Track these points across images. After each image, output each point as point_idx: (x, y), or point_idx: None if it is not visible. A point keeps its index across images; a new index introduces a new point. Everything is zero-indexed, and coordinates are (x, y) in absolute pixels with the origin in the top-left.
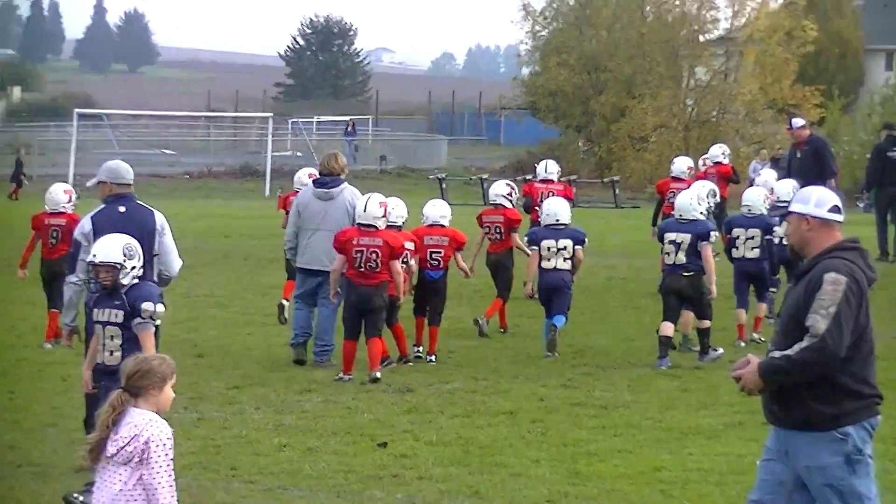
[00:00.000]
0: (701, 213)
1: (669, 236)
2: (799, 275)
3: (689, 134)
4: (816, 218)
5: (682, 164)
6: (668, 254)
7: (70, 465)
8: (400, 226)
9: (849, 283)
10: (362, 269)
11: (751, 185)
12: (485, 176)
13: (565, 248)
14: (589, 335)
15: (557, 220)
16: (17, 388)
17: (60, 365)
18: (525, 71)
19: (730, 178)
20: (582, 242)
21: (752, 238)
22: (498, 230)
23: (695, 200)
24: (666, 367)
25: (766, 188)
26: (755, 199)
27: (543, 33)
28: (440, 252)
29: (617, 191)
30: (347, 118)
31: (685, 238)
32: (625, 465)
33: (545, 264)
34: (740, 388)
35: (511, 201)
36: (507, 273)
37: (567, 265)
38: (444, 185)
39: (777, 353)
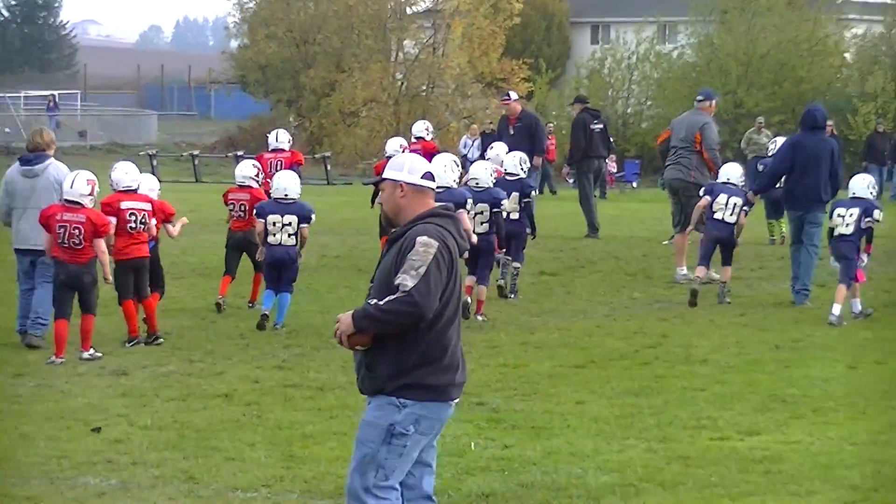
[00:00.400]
0: (454, 179)
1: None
2: (393, 239)
3: (400, 108)
4: (410, 184)
5: (394, 144)
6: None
7: None
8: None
9: (440, 247)
10: (66, 246)
11: (463, 159)
12: (196, 152)
13: (290, 223)
14: (301, 315)
15: (286, 195)
16: None
17: None
18: (234, 44)
19: (434, 155)
20: (308, 220)
21: (481, 213)
22: (242, 208)
23: (448, 167)
24: None
25: (496, 162)
26: (481, 173)
27: (251, 5)
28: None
29: (329, 167)
30: (54, 93)
31: (484, 207)
32: (340, 447)
33: (271, 239)
34: (336, 335)
35: (258, 181)
36: (256, 249)
37: (292, 241)
38: (154, 162)
39: (371, 301)
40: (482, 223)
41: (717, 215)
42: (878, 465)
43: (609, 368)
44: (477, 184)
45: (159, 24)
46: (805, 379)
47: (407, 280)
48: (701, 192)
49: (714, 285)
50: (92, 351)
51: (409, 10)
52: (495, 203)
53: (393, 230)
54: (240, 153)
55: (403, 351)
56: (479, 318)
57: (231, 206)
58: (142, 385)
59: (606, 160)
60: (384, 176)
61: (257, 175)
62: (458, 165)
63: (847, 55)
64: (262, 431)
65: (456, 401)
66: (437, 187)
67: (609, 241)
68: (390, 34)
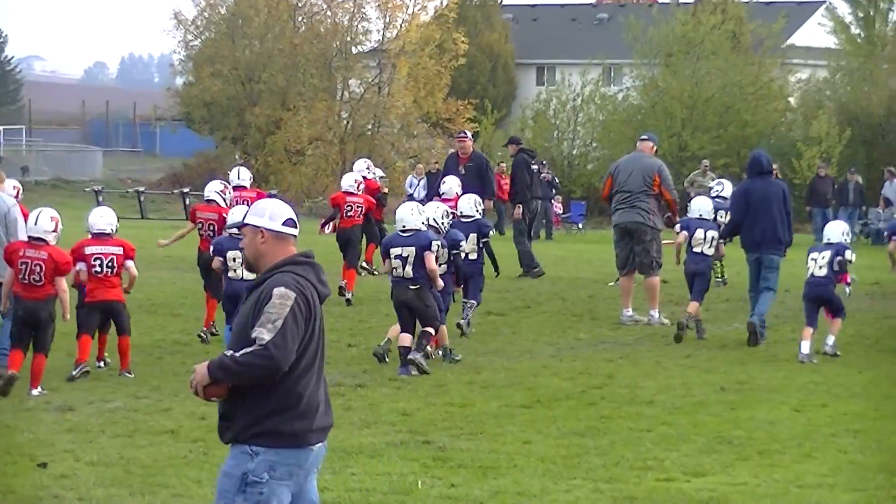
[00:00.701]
0: (423, 222)
1: (395, 251)
2: (251, 288)
3: (346, 147)
4: (270, 231)
5: (349, 179)
6: (395, 268)
7: None
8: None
9: (297, 298)
10: (26, 282)
11: (409, 198)
12: (141, 188)
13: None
14: None
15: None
16: None
17: None
18: (179, 81)
19: (377, 195)
20: None
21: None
22: (211, 227)
23: (415, 210)
24: (407, 376)
25: (450, 195)
26: (435, 213)
27: (196, 42)
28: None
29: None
30: (2, 127)
31: (410, 251)
32: None
33: (232, 274)
34: (191, 386)
35: (224, 199)
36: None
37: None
38: (100, 198)
39: (227, 353)
40: (440, 264)
41: (697, 249)
42: None
43: (555, 408)
44: (404, 227)
45: (104, 61)
46: (751, 421)
47: (263, 333)
48: (677, 229)
49: (650, 327)
50: (40, 389)
51: (354, 50)
52: (454, 245)
53: (253, 278)
54: (186, 190)
55: (259, 400)
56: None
57: (200, 225)
58: (88, 421)
59: (552, 201)
60: (245, 221)
61: (223, 191)
62: (448, 214)
63: (791, 99)
64: (208, 468)
65: (318, 445)
66: (404, 231)
67: (555, 282)
68: (336, 73)
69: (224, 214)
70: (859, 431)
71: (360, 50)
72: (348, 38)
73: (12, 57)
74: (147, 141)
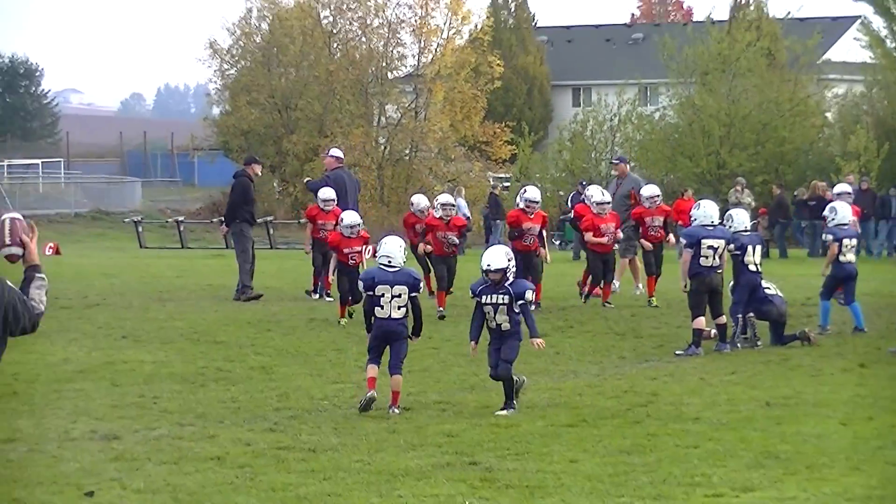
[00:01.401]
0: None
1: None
2: None
3: (383, 172)
4: None
5: (421, 202)
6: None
7: None
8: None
9: None
10: None
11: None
12: (181, 218)
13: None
14: (291, 378)
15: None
16: None
17: None
18: (216, 110)
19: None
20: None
21: (399, 296)
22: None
23: (403, 247)
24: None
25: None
26: (395, 251)
27: (232, 72)
28: None
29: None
30: (38, 161)
31: (402, 290)
32: None
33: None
34: None
35: None
36: None
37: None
38: (140, 229)
39: None
40: (399, 307)
41: (707, 262)
42: None
43: (601, 427)
44: (390, 262)
45: (140, 92)
46: (797, 435)
47: None
48: (684, 243)
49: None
50: None
51: (390, 76)
52: (414, 285)
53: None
54: (270, 219)
55: None
56: (394, 410)
57: None
58: (133, 449)
59: None
60: None
61: None
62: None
63: (828, 115)
64: (255, 493)
65: None
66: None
67: (597, 301)
68: (372, 99)
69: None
70: None
71: (396, 75)
72: (384, 64)
73: (49, 90)
74: (185, 171)
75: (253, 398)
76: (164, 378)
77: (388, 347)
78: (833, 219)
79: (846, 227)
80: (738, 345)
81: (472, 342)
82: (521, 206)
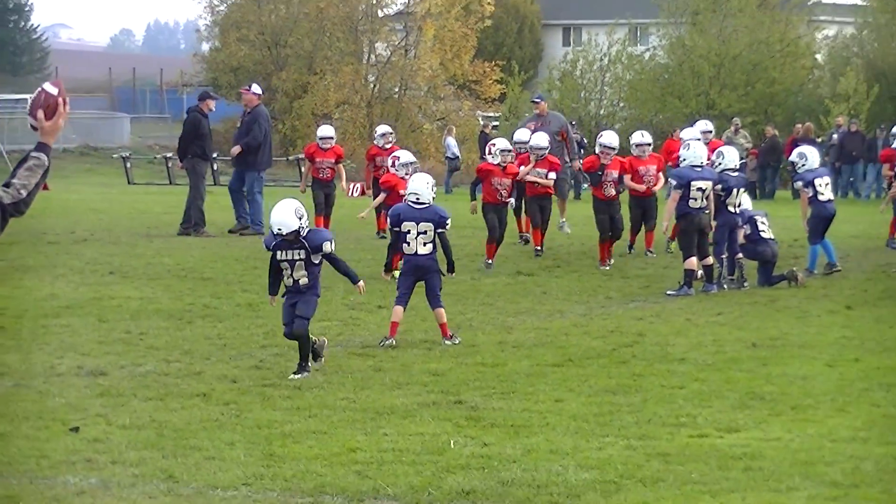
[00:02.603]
0: (430, 194)
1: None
2: None
3: (373, 110)
4: None
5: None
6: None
7: None
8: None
9: None
10: None
11: (449, 160)
12: (169, 154)
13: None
14: (279, 315)
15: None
16: None
17: None
18: (205, 47)
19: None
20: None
21: (424, 233)
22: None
23: (430, 183)
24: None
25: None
26: (422, 187)
27: (222, 8)
28: None
29: (303, 168)
30: (28, 96)
31: (428, 227)
32: (319, 446)
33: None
34: None
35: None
36: None
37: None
38: (128, 165)
39: None
40: (425, 243)
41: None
42: (858, 462)
43: (587, 367)
44: (418, 199)
45: (130, 28)
46: (783, 377)
47: None
48: (673, 183)
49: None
50: None
51: (380, 13)
52: (440, 222)
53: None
54: (214, 155)
55: None
56: (447, 342)
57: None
58: (120, 385)
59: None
60: None
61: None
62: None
63: (818, 56)
64: (240, 430)
65: None
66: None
67: (584, 241)
68: (362, 37)
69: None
70: (892, 385)
71: (387, 13)
72: (374, 1)
73: (38, 25)
74: (174, 107)
75: (239, 335)
76: (150, 314)
77: (419, 285)
78: (802, 165)
79: (815, 169)
80: (725, 286)
81: (270, 297)
82: (597, 151)
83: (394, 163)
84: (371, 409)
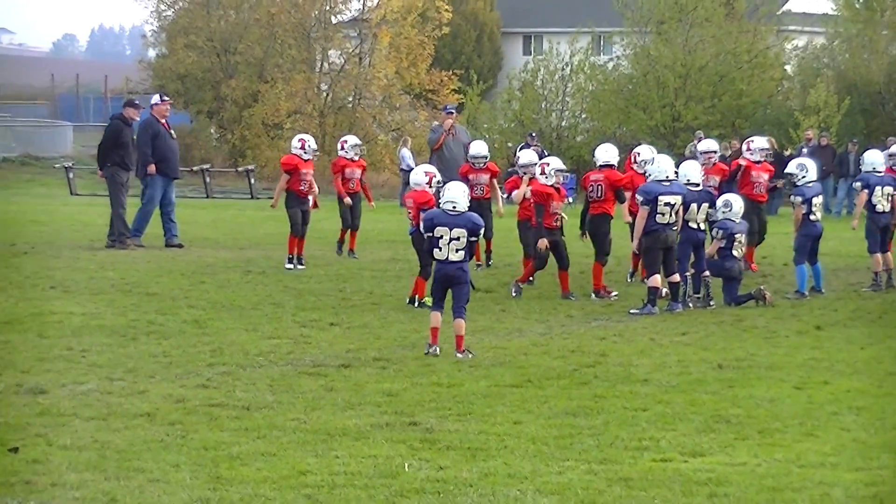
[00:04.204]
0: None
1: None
2: None
3: (325, 120)
4: None
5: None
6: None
7: None
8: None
9: None
10: None
11: (403, 172)
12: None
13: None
14: (226, 332)
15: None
16: None
17: None
18: (152, 53)
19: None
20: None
21: (457, 239)
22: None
23: (466, 191)
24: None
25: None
26: (459, 195)
27: (169, 13)
28: None
29: (252, 180)
30: None
31: (461, 233)
32: (268, 468)
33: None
34: None
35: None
36: None
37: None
38: (71, 175)
39: None
40: (457, 250)
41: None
42: (827, 489)
43: (546, 388)
44: (454, 207)
45: (74, 33)
46: (750, 399)
47: None
48: (640, 199)
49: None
50: None
51: (333, 20)
52: (474, 229)
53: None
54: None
55: None
56: (459, 355)
57: None
58: (60, 404)
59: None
60: None
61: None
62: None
63: (788, 68)
64: (186, 452)
65: None
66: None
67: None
68: (314, 44)
69: None
70: (862, 409)
71: (340, 19)
72: (327, 7)
73: None
74: None
75: (185, 353)
76: (93, 330)
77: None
78: (803, 177)
79: (813, 185)
80: (691, 304)
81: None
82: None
83: (342, 146)
84: (322, 431)
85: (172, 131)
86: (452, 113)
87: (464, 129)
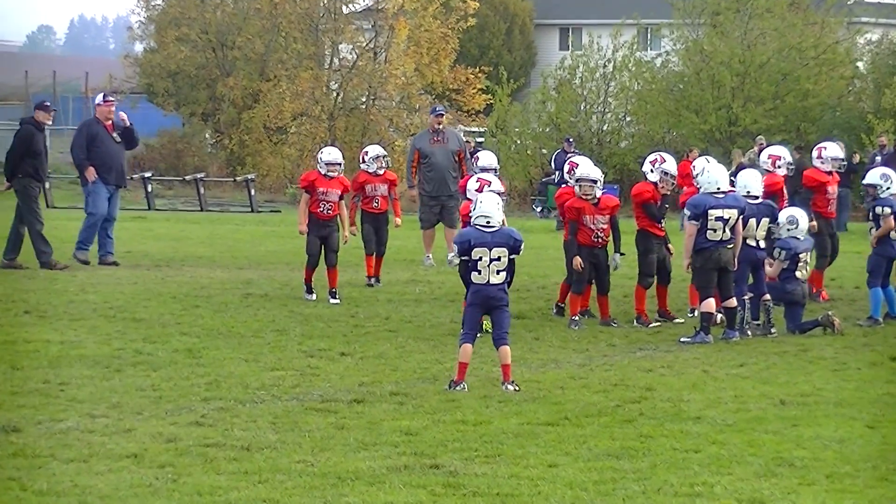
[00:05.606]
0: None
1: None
2: None
3: (335, 123)
4: None
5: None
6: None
7: None
8: None
9: None
10: None
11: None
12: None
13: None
14: (223, 363)
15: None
16: None
17: None
18: (139, 47)
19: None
20: None
21: (498, 259)
22: None
23: (501, 204)
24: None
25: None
26: (493, 209)
27: (159, 2)
28: None
29: (252, 192)
30: None
31: (502, 252)
32: None
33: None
34: None
35: None
36: None
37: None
38: (47, 185)
39: None
40: (498, 271)
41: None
42: None
43: (585, 426)
44: (488, 223)
45: (50, 25)
46: (816, 439)
47: None
48: (687, 214)
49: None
50: None
51: (344, 10)
52: (515, 247)
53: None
54: (147, 175)
55: None
56: (510, 387)
57: None
58: (36, 444)
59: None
60: None
61: None
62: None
63: (860, 65)
64: (178, 498)
65: None
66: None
67: None
68: (323, 37)
69: None
70: None
71: (352, 10)
72: None
73: None
74: None
75: (177, 386)
76: (73, 361)
77: (488, 317)
78: (887, 188)
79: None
80: (749, 332)
81: None
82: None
83: (363, 158)
84: (332, 475)
85: (115, 134)
86: (442, 115)
87: (456, 134)
